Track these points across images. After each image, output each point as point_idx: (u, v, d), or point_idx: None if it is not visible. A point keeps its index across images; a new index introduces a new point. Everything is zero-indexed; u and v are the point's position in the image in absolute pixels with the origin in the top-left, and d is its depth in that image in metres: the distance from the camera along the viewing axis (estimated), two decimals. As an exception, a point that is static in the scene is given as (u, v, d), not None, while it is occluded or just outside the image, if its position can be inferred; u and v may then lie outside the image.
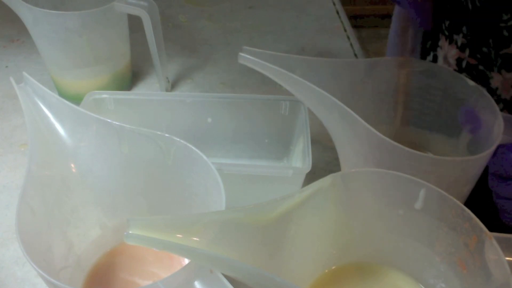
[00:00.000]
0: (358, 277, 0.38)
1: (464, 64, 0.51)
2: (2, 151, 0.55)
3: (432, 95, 0.46)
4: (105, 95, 0.49)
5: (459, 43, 0.51)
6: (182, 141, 0.37)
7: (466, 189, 0.42)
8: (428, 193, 0.33)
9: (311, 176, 0.41)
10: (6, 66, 0.68)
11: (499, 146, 0.39)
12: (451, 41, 0.52)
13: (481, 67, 0.49)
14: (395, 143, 0.37)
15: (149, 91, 0.64)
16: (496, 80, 0.49)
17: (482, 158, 0.38)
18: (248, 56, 0.41)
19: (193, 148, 0.36)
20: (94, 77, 0.59)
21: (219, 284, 0.29)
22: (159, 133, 0.38)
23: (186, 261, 0.39)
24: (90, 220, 0.40)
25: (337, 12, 0.82)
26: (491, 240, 0.30)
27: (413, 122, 0.48)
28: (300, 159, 0.46)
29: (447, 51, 0.53)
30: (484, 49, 0.48)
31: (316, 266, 0.37)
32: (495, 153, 0.39)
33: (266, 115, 0.50)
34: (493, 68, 0.48)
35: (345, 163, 0.46)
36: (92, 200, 0.40)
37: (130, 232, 0.25)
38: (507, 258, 0.29)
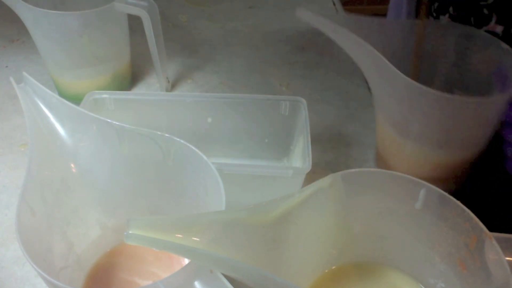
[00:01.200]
0: (358, 277, 0.38)
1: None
2: (2, 151, 0.55)
3: (468, 57, 0.49)
4: (105, 95, 0.49)
5: (444, 21, 0.54)
6: (182, 141, 0.37)
7: (489, 131, 0.44)
8: (428, 193, 0.33)
9: (311, 176, 0.41)
10: (6, 66, 0.68)
11: None
12: (437, 19, 0.55)
13: None
14: (429, 88, 0.39)
15: (149, 91, 0.64)
16: None
17: (500, 99, 0.41)
18: (307, 12, 0.45)
19: (193, 148, 0.36)
20: (94, 77, 0.59)
21: (219, 284, 0.29)
22: (159, 133, 0.38)
23: (186, 261, 0.39)
24: (90, 220, 0.40)
25: (337, 12, 0.82)
26: (491, 240, 0.30)
27: (451, 85, 0.50)
28: (300, 159, 0.46)
29: None
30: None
31: (316, 266, 0.37)
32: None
33: (266, 115, 0.50)
34: None
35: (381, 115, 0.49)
36: (92, 200, 0.40)
37: (130, 232, 0.25)
38: (507, 258, 0.29)
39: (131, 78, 0.65)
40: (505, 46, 0.44)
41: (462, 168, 0.47)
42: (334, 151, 0.55)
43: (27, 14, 0.54)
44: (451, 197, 0.33)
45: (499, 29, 0.48)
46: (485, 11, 0.48)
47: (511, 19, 0.48)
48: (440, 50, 0.49)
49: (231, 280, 0.30)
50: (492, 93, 0.47)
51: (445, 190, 0.34)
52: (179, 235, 0.27)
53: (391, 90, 0.44)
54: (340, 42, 0.44)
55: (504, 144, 0.44)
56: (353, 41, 0.43)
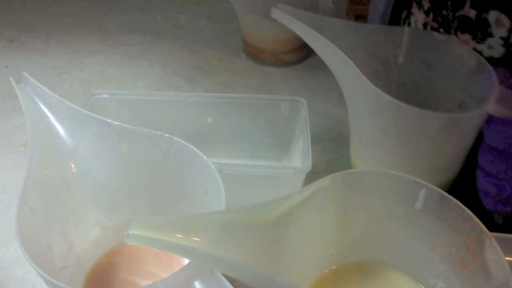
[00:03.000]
0: (358, 277, 0.38)
1: (428, 28, 0.52)
2: (2, 151, 0.55)
3: (435, 68, 0.47)
4: (105, 95, 0.49)
5: (425, 8, 0.52)
6: (182, 141, 0.37)
7: (465, 145, 0.42)
8: (428, 193, 0.33)
9: (311, 176, 0.41)
10: (6, 66, 0.67)
11: (495, 118, 0.38)
12: (420, 6, 0.53)
13: (441, 30, 0.50)
14: (396, 100, 0.38)
15: (149, 91, 0.64)
16: None
17: (471, 116, 0.39)
18: (282, 12, 0.42)
19: (193, 148, 0.36)
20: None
21: (219, 284, 0.29)
22: (159, 133, 0.38)
23: (186, 261, 0.39)
24: (90, 220, 0.40)
25: (336, 8, 0.82)
26: (491, 240, 0.30)
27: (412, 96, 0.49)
28: (300, 159, 0.46)
29: (417, 17, 0.53)
30: (444, 12, 0.49)
31: (316, 266, 0.37)
32: (489, 123, 0.39)
33: (266, 115, 0.50)
34: (450, 31, 0.49)
35: (354, 128, 0.47)
36: (92, 200, 0.40)
37: (130, 232, 0.25)
38: (507, 258, 0.29)
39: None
40: (481, 59, 0.41)
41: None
42: (334, 151, 0.55)
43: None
44: (451, 197, 0.33)
45: (472, 13, 0.46)
46: None
47: (483, 4, 0.46)
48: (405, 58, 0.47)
49: (231, 280, 0.30)
50: (454, 107, 0.45)
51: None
52: (179, 235, 0.27)
53: (362, 100, 0.43)
54: (315, 48, 0.43)
55: (477, 169, 0.40)
56: (328, 48, 0.41)
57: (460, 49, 0.44)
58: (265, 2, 0.59)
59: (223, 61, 0.70)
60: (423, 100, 0.48)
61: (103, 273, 0.40)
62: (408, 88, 0.49)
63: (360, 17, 0.80)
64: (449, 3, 0.48)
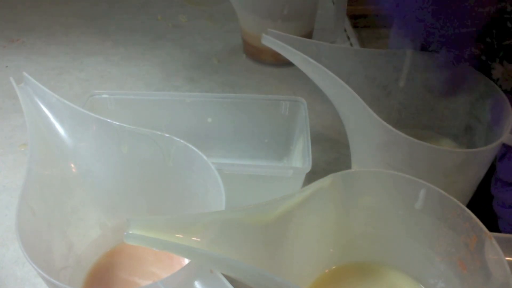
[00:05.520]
0: (358, 277, 0.38)
1: (467, 54, 0.51)
2: (2, 151, 0.55)
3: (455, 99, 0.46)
4: (105, 95, 0.49)
5: None
6: (182, 141, 0.37)
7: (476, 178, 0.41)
8: (428, 193, 0.33)
9: (311, 176, 0.41)
10: (6, 66, 0.68)
11: (508, 151, 0.38)
12: None
13: (483, 57, 0.49)
14: (410, 137, 0.36)
15: (149, 91, 0.64)
16: (497, 71, 0.49)
17: (488, 150, 0.37)
18: (272, 39, 0.40)
19: (193, 148, 0.36)
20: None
21: (219, 284, 0.29)
22: (159, 133, 0.38)
23: (186, 261, 0.39)
24: (90, 220, 0.40)
25: (337, 13, 0.82)
26: (491, 240, 0.30)
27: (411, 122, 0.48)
28: (300, 159, 0.46)
29: None
30: (488, 40, 0.48)
31: (316, 266, 0.37)
32: (503, 157, 0.39)
33: (266, 115, 0.50)
34: (495, 59, 0.48)
35: (357, 162, 0.46)
36: (92, 200, 0.40)
37: (130, 232, 0.25)
38: (507, 258, 0.29)
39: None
40: (490, 82, 0.40)
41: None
42: (334, 151, 0.55)
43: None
44: (451, 197, 0.33)
45: None
46: (509, 24, 0.45)
47: None
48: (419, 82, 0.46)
49: (231, 280, 0.30)
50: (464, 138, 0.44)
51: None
52: (179, 235, 0.27)
53: (367, 134, 0.40)
54: (308, 72, 0.41)
55: (493, 201, 0.41)
56: (322, 73, 0.39)
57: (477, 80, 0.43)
58: (265, 2, 0.59)
59: (223, 61, 0.70)
60: (425, 124, 0.48)
61: (103, 273, 0.40)
62: (410, 111, 0.48)
63: (359, 17, 0.79)
64: (494, 30, 0.47)
